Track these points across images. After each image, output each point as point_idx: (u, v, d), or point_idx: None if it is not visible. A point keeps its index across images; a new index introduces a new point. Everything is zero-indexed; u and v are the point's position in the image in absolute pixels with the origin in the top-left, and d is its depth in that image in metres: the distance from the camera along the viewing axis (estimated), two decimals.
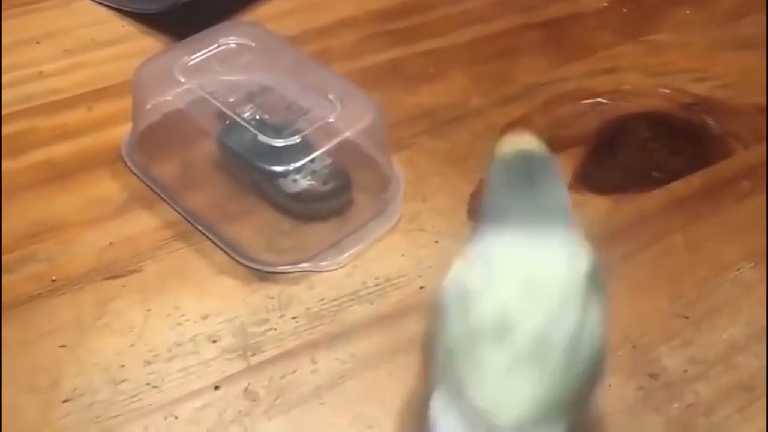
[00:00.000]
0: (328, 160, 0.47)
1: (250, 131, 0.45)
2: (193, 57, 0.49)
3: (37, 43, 0.58)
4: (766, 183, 0.51)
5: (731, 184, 0.52)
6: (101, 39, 0.59)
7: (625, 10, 0.65)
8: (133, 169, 0.50)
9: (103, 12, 0.61)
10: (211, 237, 0.46)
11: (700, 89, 0.58)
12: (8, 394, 0.39)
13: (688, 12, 0.65)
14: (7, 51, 0.57)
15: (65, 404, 0.39)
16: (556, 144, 0.53)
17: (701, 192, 0.51)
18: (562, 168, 0.52)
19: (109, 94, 0.55)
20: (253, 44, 0.50)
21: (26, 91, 0.55)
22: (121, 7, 0.61)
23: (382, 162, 0.49)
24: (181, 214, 0.47)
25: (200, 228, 0.47)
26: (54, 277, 0.44)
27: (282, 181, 0.46)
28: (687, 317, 0.44)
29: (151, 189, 0.49)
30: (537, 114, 0.56)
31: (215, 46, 0.49)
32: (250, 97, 0.48)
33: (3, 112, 0.53)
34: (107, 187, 0.49)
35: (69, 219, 0.47)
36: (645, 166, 0.53)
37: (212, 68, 0.49)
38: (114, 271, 0.45)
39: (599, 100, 0.57)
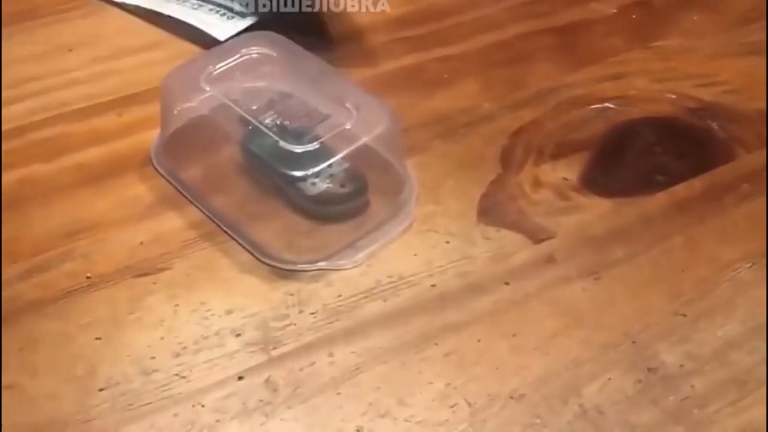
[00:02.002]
0: (346, 165, 0.49)
1: (272, 137, 0.48)
2: (217, 66, 0.51)
3: (70, 50, 0.61)
4: (766, 187, 0.53)
5: (732, 188, 0.53)
6: (130, 47, 0.62)
7: (634, 16, 0.67)
8: (161, 172, 0.52)
9: (132, 20, 0.64)
10: (235, 237, 0.49)
11: (705, 94, 0.60)
12: (49, 383, 0.42)
13: (695, 18, 0.67)
14: (41, 59, 0.60)
15: (101, 392, 0.42)
16: (564, 148, 0.56)
17: (702, 195, 0.53)
18: (570, 170, 0.54)
19: (138, 100, 0.57)
20: (274, 54, 0.52)
21: (60, 98, 0.57)
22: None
23: (396, 166, 0.52)
24: (206, 215, 0.50)
25: (225, 228, 0.49)
26: (89, 274, 0.47)
27: (302, 185, 0.49)
28: (685, 315, 0.46)
29: (179, 191, 0.51)
30: (547, 118, 0.58)
31: (238, 56, 0.52)
32: (271, 105, 0.50)
33: (38, 118, 0.56)
34: (137, 189, 0.51)
35: (101, 219, 0.50)
36: (649, 170, 0.54)
37: (236, 77, 0.51)
38: (144, 268, 0.47)
39: (607, 105, 0.59)
